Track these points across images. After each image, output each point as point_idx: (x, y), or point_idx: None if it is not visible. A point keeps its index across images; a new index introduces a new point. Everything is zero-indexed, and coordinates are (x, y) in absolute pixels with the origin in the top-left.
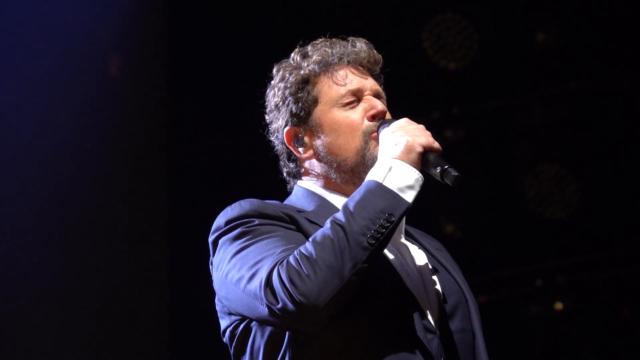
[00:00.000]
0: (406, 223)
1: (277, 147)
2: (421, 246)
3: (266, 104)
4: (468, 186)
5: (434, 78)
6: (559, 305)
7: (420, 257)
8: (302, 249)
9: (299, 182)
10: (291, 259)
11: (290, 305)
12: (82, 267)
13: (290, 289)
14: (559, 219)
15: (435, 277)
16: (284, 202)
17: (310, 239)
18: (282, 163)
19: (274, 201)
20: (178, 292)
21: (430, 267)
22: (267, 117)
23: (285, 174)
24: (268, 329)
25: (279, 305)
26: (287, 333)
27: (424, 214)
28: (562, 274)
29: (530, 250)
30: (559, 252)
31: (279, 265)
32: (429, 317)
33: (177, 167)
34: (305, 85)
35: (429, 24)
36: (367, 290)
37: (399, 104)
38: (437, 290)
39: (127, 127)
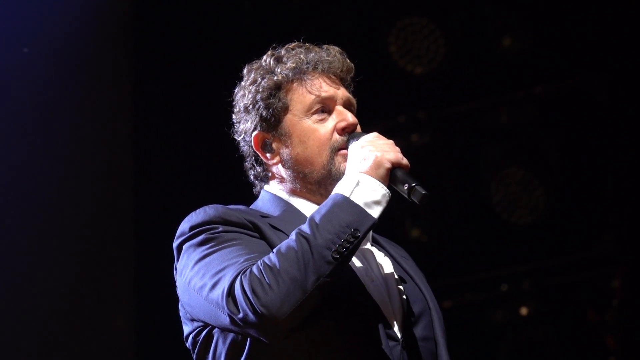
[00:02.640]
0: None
1: (242, 148)
2: (387, 253)
3: (234, 103)
4: (434, 191)
5: (400, 82)
6: (524, 310)
7: (386, 265)
8: (266, 259)
9: (266, 187)
10: (254, 268)
11: (251, 316)
12: (47, 269)
13: (252, 299)
14: (525, 223)
15: (400, 286)
16: (251, 207)
17: (274, 250)
18: (247, 165)
19: (239, 206)
20: (144, 296)
21: (396, 275)
22: (234, 116)
23: (252, 177)
24: (230, 336)
25: (240, 315)
26: (248, 340)
27: (389, 219)
28: (527, 279)
29: (496, 255)
30: (525, 256)
31: (242, 274)
32: (394, 325)
33: (144, 169)
34: (277, 91)
35: (395, 28)
36: (330, 297)
37: (366, 108)
38: (402, 298)
39: (93, 127)
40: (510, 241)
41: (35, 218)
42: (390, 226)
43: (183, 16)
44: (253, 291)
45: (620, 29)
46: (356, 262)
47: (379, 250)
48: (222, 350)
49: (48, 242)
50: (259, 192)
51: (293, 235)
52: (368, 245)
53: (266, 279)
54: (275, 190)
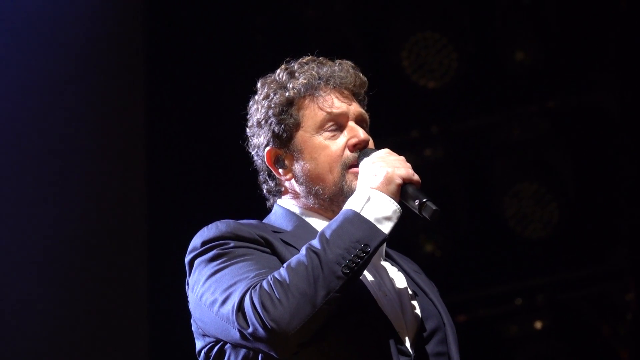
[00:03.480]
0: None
1: (256, 162)
2: (400, 268)
3: (248, 116)
4: (447, 205)
5: (413, 97)
6: (538, 324)
7: (399, 280)
8: (276, 274)
9: (279, 201)
10: (264, 283)
11: (260, 330)
12: (60, 279)
13: (261, 314)
14: (539, 237)
15: (414, 302)
16: (263, 221)
17: (285, 265)
18: (261, 179)
19: (251, 221)
20: (157, 310)
21: (409, 291)
22: (248, 130)
23: (265, 191)
24: (242, 352)
25: (250, 330)
26: (260, 356)
27: (403, 233)
28: (541, 293)
29: (510, 269)
30: (539, 270)
31: (252, 289)
32: (406, 341)
33: (157, 179)
34: (289, 107)
35: (408, 43)
36: (342, 313)
37: (378, 123)
38: (415, 313)
39: (106, 132)
40: (524, 255)
41: (47, 233)
42: (404, 241)
43: (196, 31)
44: (263, 306)
45: (632, 43)
46: (369, 276)
47: (392, 265)
48: None
49: (63, 262)
50: (272, 206)
51: (303, 250)
52: (381, 260)
53: (276, 293)
54: (288, 205)
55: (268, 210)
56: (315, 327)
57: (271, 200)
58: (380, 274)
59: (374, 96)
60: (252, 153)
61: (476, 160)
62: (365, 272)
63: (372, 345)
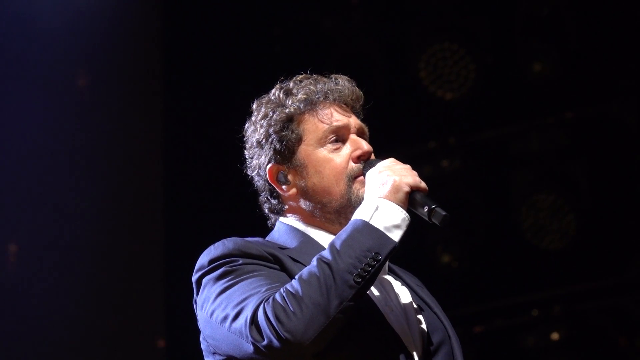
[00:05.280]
0: (402, 254)
1: (257, 183)
2: (404, 282)
3: (245, 139)
4: (464, 216)
5: (430, 108)
6: (555, 336)
7: (404, 294)
8: (288, 286)
9: (282, 219)
10: (277, 296)
11: (275, 342)
12: (77, 281)
13: (276, 326)
14: (556, 248)
15: (420, 316)
16: (266, 238)
17: (296, 277)
18: (262, 199)
19: (257, 238)
20: (173, 318)
21: (414, 305)
22: (246, 152)
23: (267, 210)
24: None
25: (264, 342)
26: None
27: (420, 245)
28: (558, 304)
29: (527, 280)
30: (556, 282)
31: (265, 302)
32: (414, 356)
33: (174, 185)
34: (289, 123)
35: (425, 54)
36: (350, 328)
37: (396, 133)
38: (421, 328)
39: (124, 137)
40: (541, 266)
41: (68, 234)
42: (421, 252)
43: (214, 41)
44: (277, 318)
45: None
46: (375, 291)
47: (396, 279)
48: None
49: (79, 280)
50: (274, 225)
51: (314, 262)
52: (385, 275)
53: (289, 305)
54: (291, 222)
55: (270, 229)
56: (330, 336)
57: (273, 219)
58: (386, 288)
59: (392, 107)
60: (253, 174)
61: (493, 171)
62: (372, 288)
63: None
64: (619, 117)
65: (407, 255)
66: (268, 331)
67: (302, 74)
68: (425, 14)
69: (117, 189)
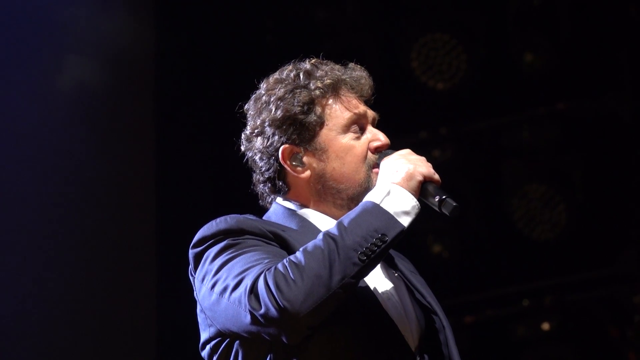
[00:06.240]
0: None
1: (259, 162)
2: (398, 270)
3: (250, 116)
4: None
5: (422, 98)
6: (546, 326)
7: (399, 282)
8: (292, 257)
9: (279, 200)
10: (280, 265)
11: (273, 310)
12: (69, 274)
13: (275, 293)
14: (547, 239)
15: (414, 305)
16: (263, 218)
17: (301, 249)
18: (260, 178)
19: (253, 216)
20: (165, 312)
21: (408, 293)
22: (249, 129)
23: (266, 190)
24: (250, 353)
25: (262, 311)
26: (268, 357)
27: (411, 234)
28: (549, 294)
29: (518, 271)
30: (546, 272)
31: (267, 271)
32: (410, 345)
33: (166, 180)
34: (312, 105)
35: (417, 44)
36: (347, 315)
37: (387, 123)
38: (417, 317)
39: (115, 131)
40: (532, 257)
41: (61, 226)
42: (412, 242)
43: (205, 31)
44: (277, 285)
45: None
46: (372, 280)
47: (390, 266)
48: None
49: (72, 256)
50: (267, 205)
51: (320, 236)
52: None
53: (291, 274)
54: (289, 205)
55: (263, 209)
56: (327, 310)
57: (267, 199)
58: (383, 277)
59: (383, 97)
60: (255, 151)
61: (485, 161)
62: (369, 277)
63: (380, 349)
64: (611, 109)
65: (397, 245)
66: (267, 299)
67: (312, 57)
68: (417, 5)
69: (108, 188)
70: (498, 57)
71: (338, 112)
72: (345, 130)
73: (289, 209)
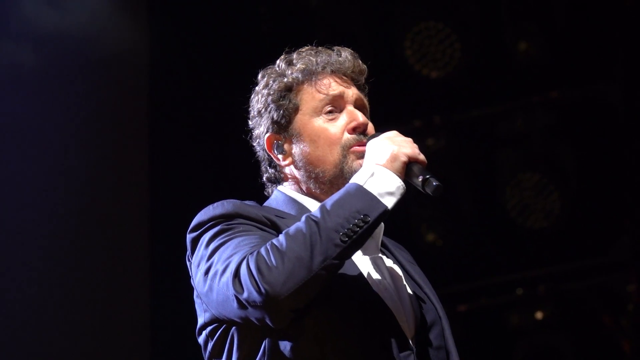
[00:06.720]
0: (386, 231)
1: (258, 153)
2: (395, 260)
3: (250, 109)
4: (449, 195)
5: (415, 86)
6: (539, 314)
7: (396, 273)
8: (274, 240)
9: (279, 187)
10: (262, 249)
11: (254, 294)
12: (63, 265)
13: (256, 277)
14: (540, 228)
15: (411, 295)
16: (263, 205)
17: (283, 232)
18: (263, 169)
19: (253, 203)
20: (159, 308)
21: (406, 283)
22: (250, 122)
23: (265, 179)
24: (246, 339)
25: (245, 295)
26: (263, 343)
27: (405, 223)
28: (542, 283)
29: (511, 259)
30: (540, 261)
31: (249, 255)
32: (407, 335)
33: (159, 169)
34: (287, 92)
35: (411, 32)
36: (343, 302)
37: (381, 112)
38: (413, 307)
39: (109, 127)
40: (526, 246)
41: (55, 216)
42: (406, 230)
43: (200, 21)
44: (258, 269)
45: (637, 35)
46: (368, 269)
47: (388, 257)
48: (236, 350)
49: (64, 246)
50: (270, 194)
51: (303, 219)
52: (378, 253)
53: (272, 257)
54: (288, 192)
55: (266, 197)
56: (310, 293)
57: (270, 188)
58: (379, 266)
59: (377, 85)
60: (254, 144)
61: (478, 150)
62: (365, 266)
63: (376, 339)
64: (605, 98)
65: (391, 233)
66: (248, 282)
67: (307, 46)
68: None
69: (102, 187)
70: (492, 46)
71: (310, 95)
72: (319, 112)
73: (288, 196)
